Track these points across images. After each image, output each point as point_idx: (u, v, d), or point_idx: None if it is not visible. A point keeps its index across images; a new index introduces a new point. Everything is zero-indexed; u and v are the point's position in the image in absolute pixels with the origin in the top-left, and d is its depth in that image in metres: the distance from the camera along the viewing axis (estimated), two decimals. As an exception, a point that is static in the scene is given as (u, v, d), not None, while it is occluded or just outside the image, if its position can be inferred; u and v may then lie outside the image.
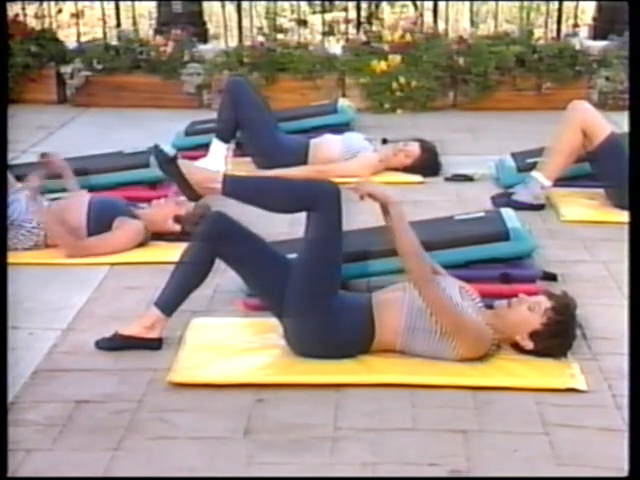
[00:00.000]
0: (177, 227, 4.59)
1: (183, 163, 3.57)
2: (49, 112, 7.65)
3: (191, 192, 3.55)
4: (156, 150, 3.61)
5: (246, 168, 5.89)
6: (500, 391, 3.26)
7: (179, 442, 3.00)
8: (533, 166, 5.26)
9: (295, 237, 4.36)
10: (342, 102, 6.78)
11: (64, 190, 5.04)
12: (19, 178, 4.79)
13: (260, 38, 8.02)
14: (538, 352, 3.40)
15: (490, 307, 3.54)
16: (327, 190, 3.48)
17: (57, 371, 3.46)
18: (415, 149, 5.78)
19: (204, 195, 3.57)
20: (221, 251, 3.53)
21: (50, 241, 4.60)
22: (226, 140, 5.84)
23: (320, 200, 3.46)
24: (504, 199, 5.17)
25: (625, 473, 2.60)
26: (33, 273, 4.33)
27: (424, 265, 3.40)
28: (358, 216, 5.06)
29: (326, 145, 5.88)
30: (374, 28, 8.54)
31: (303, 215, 5.16)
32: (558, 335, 3.39)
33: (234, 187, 3.53)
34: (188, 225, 4.47)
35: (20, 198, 4.64)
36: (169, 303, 3.59)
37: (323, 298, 3.42)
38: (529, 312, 3.38)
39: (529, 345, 3.41)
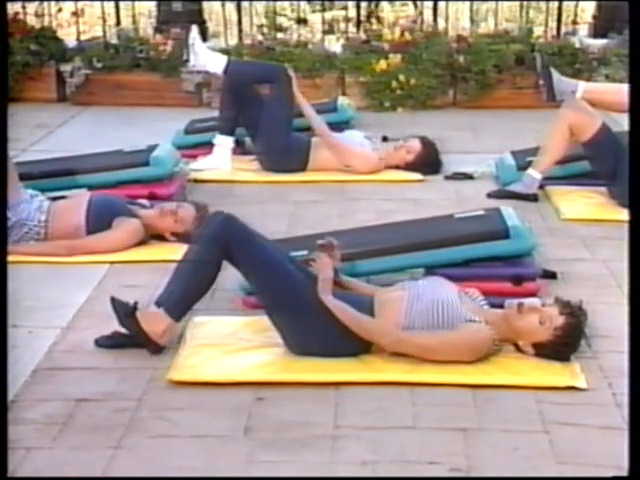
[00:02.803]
0: (173, 239, 4.57)
1: (140, 315, 3.52)
2: (49, 110, 7.65)
3: (153, 345, 3.52)
4: (114, 304, 3.56)
5: (249, 167, 5.89)
6: (500, 389, 3.26)
7: (179, 440, 2.99)
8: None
9: (294, 236, 4.38)
10: (342, 100, 6.79)
11: (64, 189, 5.05)
12: (21, 177, 4.78)
13: (260, 36, 8.02)
14: (538, 356, 3.42)
15: (500, 306, 3.53)
16: None
17: (57, 369, 3.46)
18: (416, 145, 5.77)
19: (164, 345, 3.54)
20: (231, 254, 3.51)
21: (50, 240, 4.59)
22: (230, 134, 5.86)
23: None
24: (498, 192, 5.35)
25: (625, 472, 2.60)
26: (33, 271, 4.32)
27: (375, 332, 3.37)
28: (358, 215, 5.08)
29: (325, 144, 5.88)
30: (374, 27, 8.54)
31: (302, 214, 5.19)
32: (561, 352, 3.39)
33: (173, 308, 3.54)
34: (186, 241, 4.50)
35: (28, 199, 4.63)
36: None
37: (297, 296, 3.43)
38: (539, 324, 3.36)
39: (530, 352, 3.41)
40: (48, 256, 4.49)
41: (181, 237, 4.47)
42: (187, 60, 6.13)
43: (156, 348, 3.52)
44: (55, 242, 4.56)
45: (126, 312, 3.55)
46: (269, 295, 3.55)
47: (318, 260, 3.48)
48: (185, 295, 3.59)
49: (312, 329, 3.42)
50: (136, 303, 3.56)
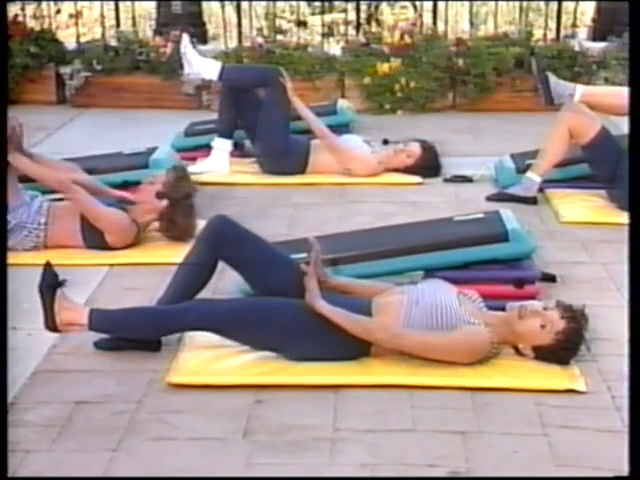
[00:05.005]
0: (164, 202, 4.56)
1: (60, 295, 3.46)
2: (48, 113, 7.64)
3: (52, 323, 3.45)
4: (45, 269, 3.49)
5: (249, 170, 5.89)
6: (499, 392, 3.26)
7: (178, 443, 3.00)
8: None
9: (294, 238, 4.38)
10: (341, 103, 6.79)
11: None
12: (21, 179, 4.77)
13: (259, 39, 8.02)
14: (538, 360, 3.41)
15: (500, 309, 3.52)
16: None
17: (56, 372, 3.46)
18: (416, 149, 5.76)
19: (62, 331, 3.49)
20: (224, 253, 3.56)
21: (50, 242, 4.59)
22: (228, 137, 5.85)
23: None
24: (497, 195, 5.35)
25: (625, 475, 2.59)
26: (33, 274, 4.29)
27: (373, 329, 3.35)
28: (357, 217, 5.08)
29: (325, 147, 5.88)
30: (373, 29, 8.55)
31: (302, 217, 5.19)
32: (561, 356, 3.39)
33: (101, 321, 3.49)
34: (172, 193, 4.53)
35: (28, 202, 4.63)
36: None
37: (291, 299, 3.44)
38: (540, 328, 3.35)
39: (530, 355, 3.41)
40: (43, 181, 4.59)
41: (169, 231, 4.51)
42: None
43: (52, 328, 3.46)
44: (54, 173, 4.58)
45: (51, 283, 3.46)
46: (262, 293, 3.57)
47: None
48: (176, 293, 3.59)
49: (310, 334, 3.41)
50: (64, 281, 3.49)
